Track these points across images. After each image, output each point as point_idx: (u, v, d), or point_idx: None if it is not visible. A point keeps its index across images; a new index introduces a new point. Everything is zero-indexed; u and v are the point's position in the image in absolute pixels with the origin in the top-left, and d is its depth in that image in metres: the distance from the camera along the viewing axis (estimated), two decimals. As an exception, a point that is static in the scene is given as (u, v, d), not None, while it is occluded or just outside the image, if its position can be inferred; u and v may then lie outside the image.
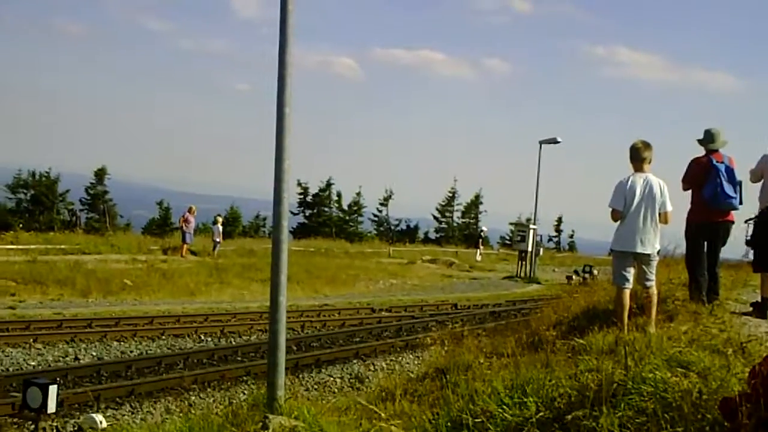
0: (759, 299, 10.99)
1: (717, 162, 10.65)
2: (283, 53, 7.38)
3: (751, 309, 10.99)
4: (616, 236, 9.60)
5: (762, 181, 11.07)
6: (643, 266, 9.45)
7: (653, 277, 9.56)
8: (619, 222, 9.50)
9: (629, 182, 9.42)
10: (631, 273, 9.47)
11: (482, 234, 57.98)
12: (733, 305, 11.48)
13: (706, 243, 10.95)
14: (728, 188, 10.56)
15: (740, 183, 11.00)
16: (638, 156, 9.56)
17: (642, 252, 9.38)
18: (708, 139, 10.93)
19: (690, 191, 11.07)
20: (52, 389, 9.68)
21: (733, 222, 11.10)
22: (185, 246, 36.92)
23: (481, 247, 54.29)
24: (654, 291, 9.56)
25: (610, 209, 9.55)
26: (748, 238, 11.18)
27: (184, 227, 37.14)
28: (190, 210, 37.70)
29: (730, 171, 10.68)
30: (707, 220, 10.80)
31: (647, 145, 9.60)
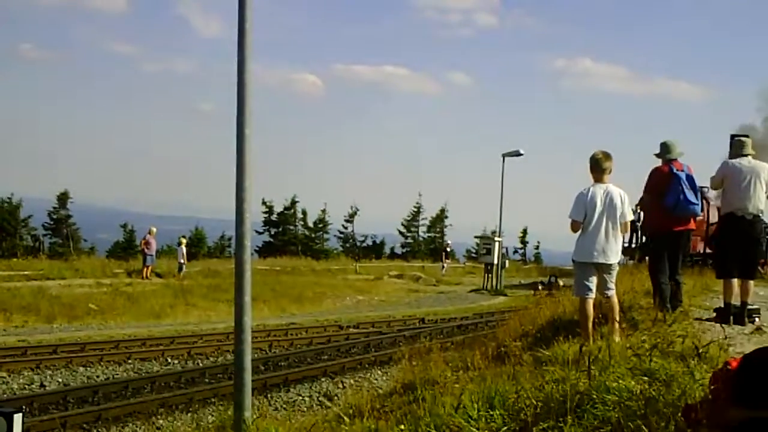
0: (722, 305, 11.10)
1: (677, 170, 10.75)
2: (242, 73, 7.37)
3: (714, 315, 11.10)
4: (577, 247, 9.63)
5: (723, 188, 11.22)
6: (604, 275, 9.49)
7: (613, 286, 9.62)
8: (580, 233, 9.54)
9: (590, 193, 9.45)
10: (593, 283, 9.49)
11: (447, 248, 58.01)
12: (697, 311, 11.57)
13: (667, 251, 11.02)
14: (690, 195, 10.65)
15: (701, 189, 11.13)
16: (599, 167, 9.59)
17: (604, 262, 9.44)
18: (664, 151, 11.01)
19: (650, 200, 11.18)
20: (17, 417, 9.51)
21: (694, 229, 11.21)
22: (148, 268, 36.76)
23: (447, 260, 54.33)
24: (615, 300, 9.61)
25: (570, 220, 9.61)
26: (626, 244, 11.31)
27: (146, 250, 36.97)
28: (150, 232, 37.56)
29: (690, 178, 10.78)
30: (669, 228, 10.88)
31: (607, 156, 9.63)
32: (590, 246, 9.40)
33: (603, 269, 9.47)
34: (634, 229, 35.46)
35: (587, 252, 9.45)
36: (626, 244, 35.39)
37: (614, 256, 9.48)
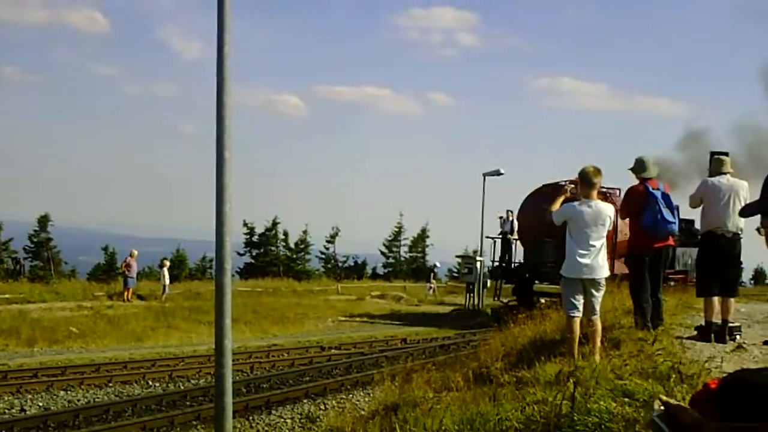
0: (703, 323, 11.14)
1: (653, 189, 10.79)
2: (221, 95, 7.35)
3: (695, 333, 11.14)
4: (566, 263, 9.55)
5: (702, 207, 11.26)
6: (592, 291, 9.37)
7: (599, 307, 9.51)
8: (568, 249, 9.44)
9: (577, 207, 9.36)
10: (580, 301, 9.41)
11: (434, 268, 57.80)
12: (678, 330, 11.61)
13: (648, 268, 11.04)
14: (667, 214, 10.70)
15: (677, 208, 11.19)
16: (589, 181, 9.46)
17: (594, 278, 9.33)
18: (640, 167, 11.06)
19: (629, 219, 11.24)
20: (-4, 443, 9.52)
21: (673, 246, 11.25)
22: (129, 290, 36.62)
23: (434, 281, 54.15)
24: (598, 323, 9.51)
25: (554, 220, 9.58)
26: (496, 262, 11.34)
27: (127, 272, 36.86)
28: (131, 254, 37.46)
29: (666, 197, 10.83)
30: (649, 247, 10.91)
31: (598, 171, 9.50)
32: (578, 261, 9.31)
33: (591, 285, 9.39)
34: (506, 243, 34.94)
35: (575, 268, 9.37)
36: (496, 263, 35.27)
37: (602, 271, 9.42)
